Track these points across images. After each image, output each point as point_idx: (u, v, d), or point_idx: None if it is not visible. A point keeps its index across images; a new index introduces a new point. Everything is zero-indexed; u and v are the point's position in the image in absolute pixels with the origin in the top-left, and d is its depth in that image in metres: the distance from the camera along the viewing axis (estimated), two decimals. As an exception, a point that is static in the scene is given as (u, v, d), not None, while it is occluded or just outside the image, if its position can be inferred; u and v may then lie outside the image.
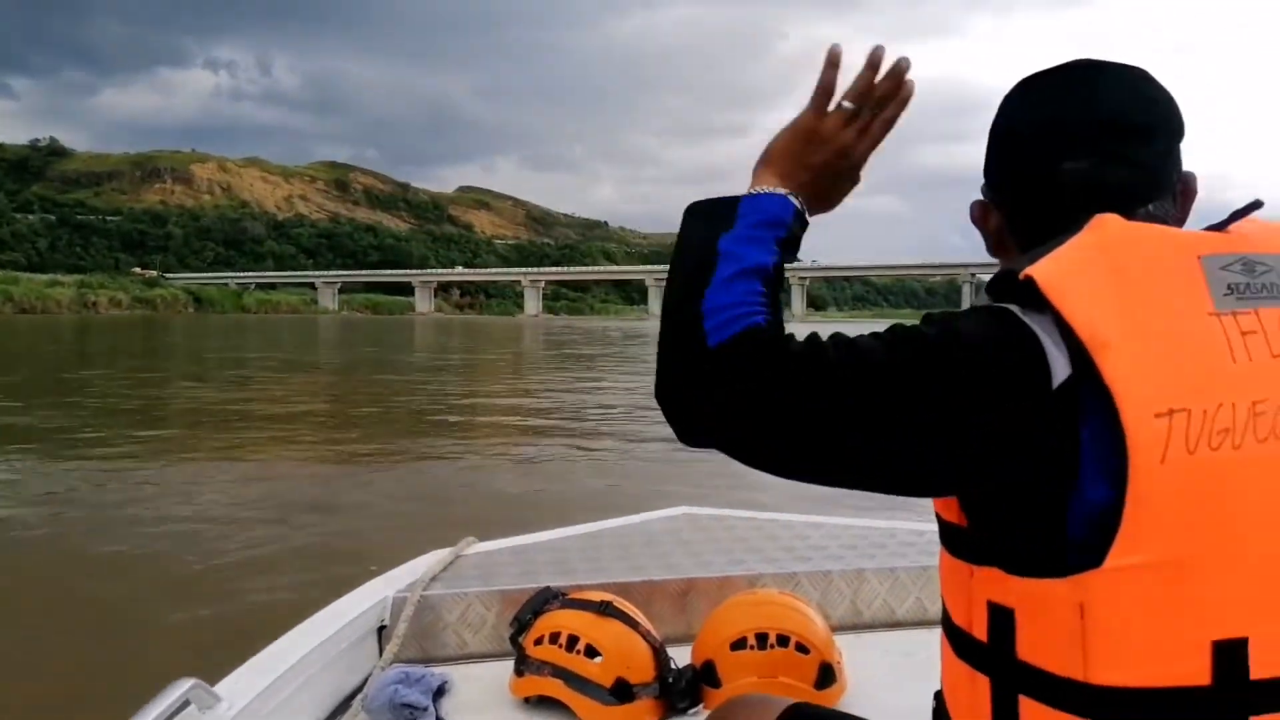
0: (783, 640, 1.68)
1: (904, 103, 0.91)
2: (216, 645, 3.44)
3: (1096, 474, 0.69)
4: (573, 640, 1.68)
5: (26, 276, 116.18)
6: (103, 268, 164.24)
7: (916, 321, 0.77)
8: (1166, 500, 0.68)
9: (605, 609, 1.73)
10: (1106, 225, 0.75)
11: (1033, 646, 0.74)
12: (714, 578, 1.99)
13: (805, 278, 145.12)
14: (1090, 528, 0.70)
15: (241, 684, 1.45)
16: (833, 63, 0.89)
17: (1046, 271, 0.72)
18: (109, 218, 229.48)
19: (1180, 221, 0.86)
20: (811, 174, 0.90)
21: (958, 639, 0.83)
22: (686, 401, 0.78)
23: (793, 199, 0.88)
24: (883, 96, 0.90)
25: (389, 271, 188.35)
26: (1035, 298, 0.72)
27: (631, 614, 1.76)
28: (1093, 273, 0.72)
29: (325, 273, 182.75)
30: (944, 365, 0.72)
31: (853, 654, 1.82)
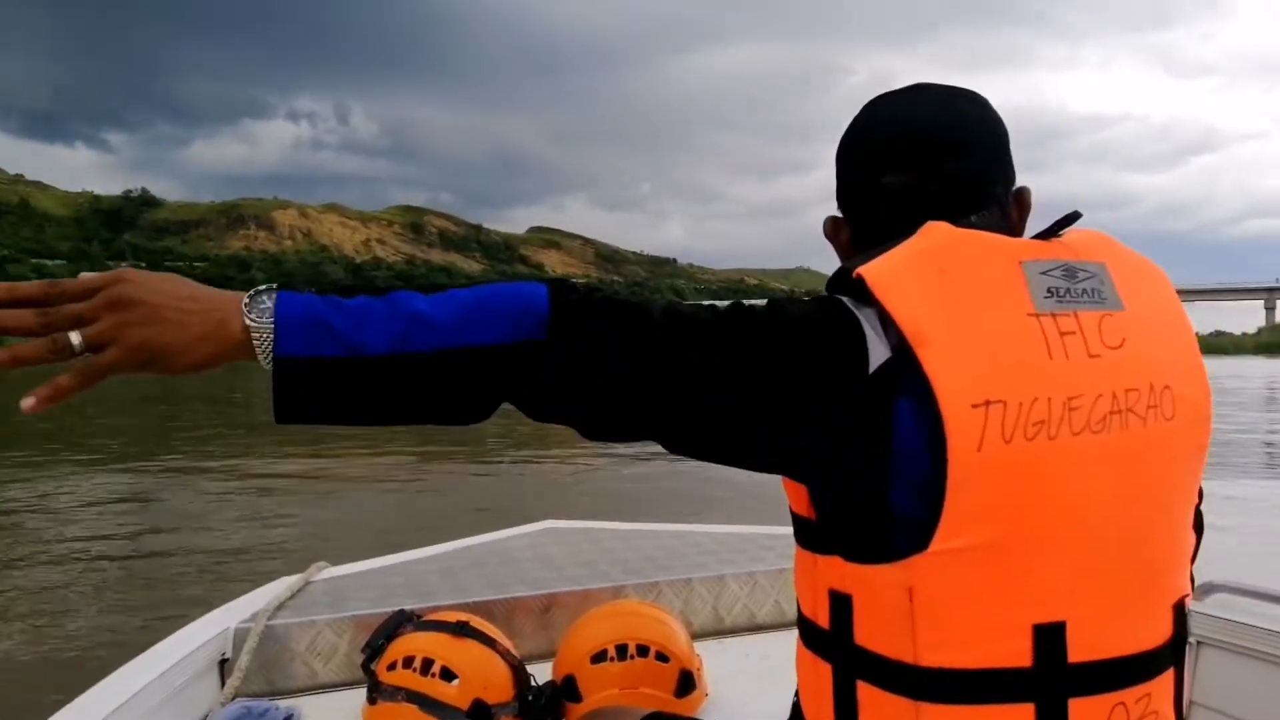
0: (643, 650, 1.67)
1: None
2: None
3: (916, 462, 0.72)
4: (428, 663, 1.61)
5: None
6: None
7: None
8: (985, 487, 0.71)
9: (462, 629, 1.68)
10: (934, 231, 0.80)
11: (868, 631, 0.77)
12: (576, 591, 1.97)
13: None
14: (916, 512, 0.73)
15: None
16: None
17: (875, 270, 0.77)
18: (196, 264, 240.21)
19: (1015, 232, 0.89)
20: (194, 302, 0.74)
21: (805, 629, 0.86)
22: (531, 396, 0.77)
23: (265, 305, 0.74)
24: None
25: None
26: (865, 293, 0.76)
27: (489, 633, 1.72)
28: (918, 273, 0.76)
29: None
30: (767, 335, 0.75)
31: (714, 659, 1.84)
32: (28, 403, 0.69)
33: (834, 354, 0.75)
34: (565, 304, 0.76)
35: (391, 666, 1.63)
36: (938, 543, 0.72)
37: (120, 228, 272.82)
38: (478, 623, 1.72)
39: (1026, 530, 0.73)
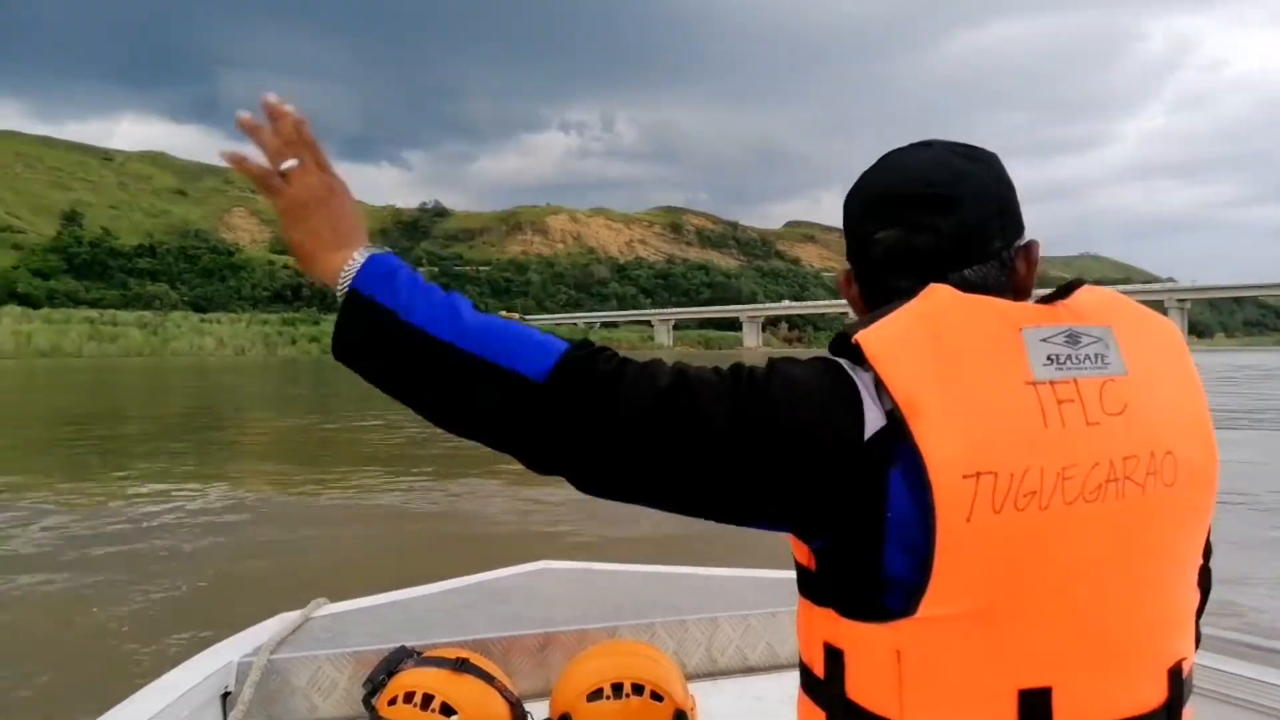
0: (638, 689, 1.67)
1: (301, 123, 0.92)
2: None
3: (908, 529, 0.73)
4: (428, 699, 1.64)
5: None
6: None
7: None
8: (973, 556, 0.72)
9: (461, 665, 1.70)
10: (935, 295, 0.80)
11: (858, 687, 0.78)
12: (572, 630, 1.97)
13: (1185, 300, 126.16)
14: (905, 576, 0.74)
15: None
16: (248, 128, 0.91)
17: (872, 336, 0.77)
18: (481, 268, 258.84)
19: (1019, 287, 0.88)
20: (343, 224, 0.91)
21: (804, 675, 0.87)
22: (529, 440, 0.81)
23: (366, 252, 0.88)
24: (288, 133, 0.91)
25: (717, 307, 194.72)
26: (863, 357, 0.77)
27: (488, 670, 1.74)
28: (914, 340, 0.76)
29: (660, 311, 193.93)
30: (766, 401, 0.77)
31: (708, 700, 1.84)
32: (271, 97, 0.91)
33: (830, 421, 0.76)
34: (574, 358, 0.80)
35: (392, 702, 1.65)
36: (925, 608, 0.72)
37: (417, 237, 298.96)
38: (476, 659, 1.74)
39: (1014, 598, 0.73)
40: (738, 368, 0.81)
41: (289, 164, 0.90)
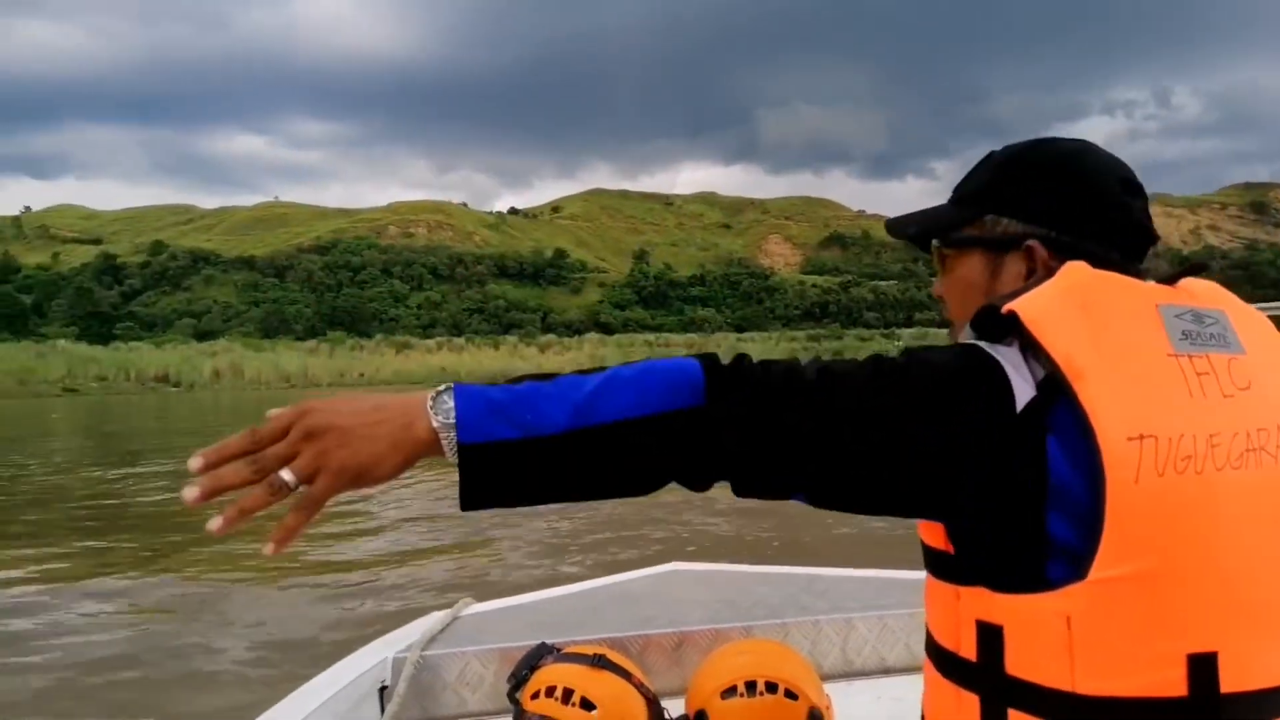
0: (771, 687, 1.67)
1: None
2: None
3: (1072, 494, 0.75)
4: (568, 693, 1.72)
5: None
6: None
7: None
8: (1140, 518, 0.74)
9: (599, 661, 1.78)
10: (1075, 272, 0.84)
11: (1021, 661, 0.79)
12: (705, 630, 1.98)
13: None
14: (1071, 542, 0.76)
15: None
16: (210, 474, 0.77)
17: (1026, 305, 0.81)
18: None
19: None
20: (378, 411, 0.80)
21: (944, 660, 0.88)
22: (701, 469, 0.82)
23: (437, 399, 0.80)
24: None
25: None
26: (1006, 332, 0.81)
27: (625, 666, 1.80)
28: (1066, 309, 0.80)
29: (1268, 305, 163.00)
30: (916, 386, 0.79)
31: (844, 701, 1.79)
32: (268, 548, 0.78)
33: (980, 398, 0.78)
34: (717, 370, 0.82)
35: (535, 696, 1.76)
36: (1096, 571, 0.74)
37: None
38: (613, 656, 1.80)
39: (1179, 561, 0.75)
40: (875, 357, 0.83)
41: (287, 477, 0.77)
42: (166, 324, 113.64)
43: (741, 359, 0.84)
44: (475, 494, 0.79)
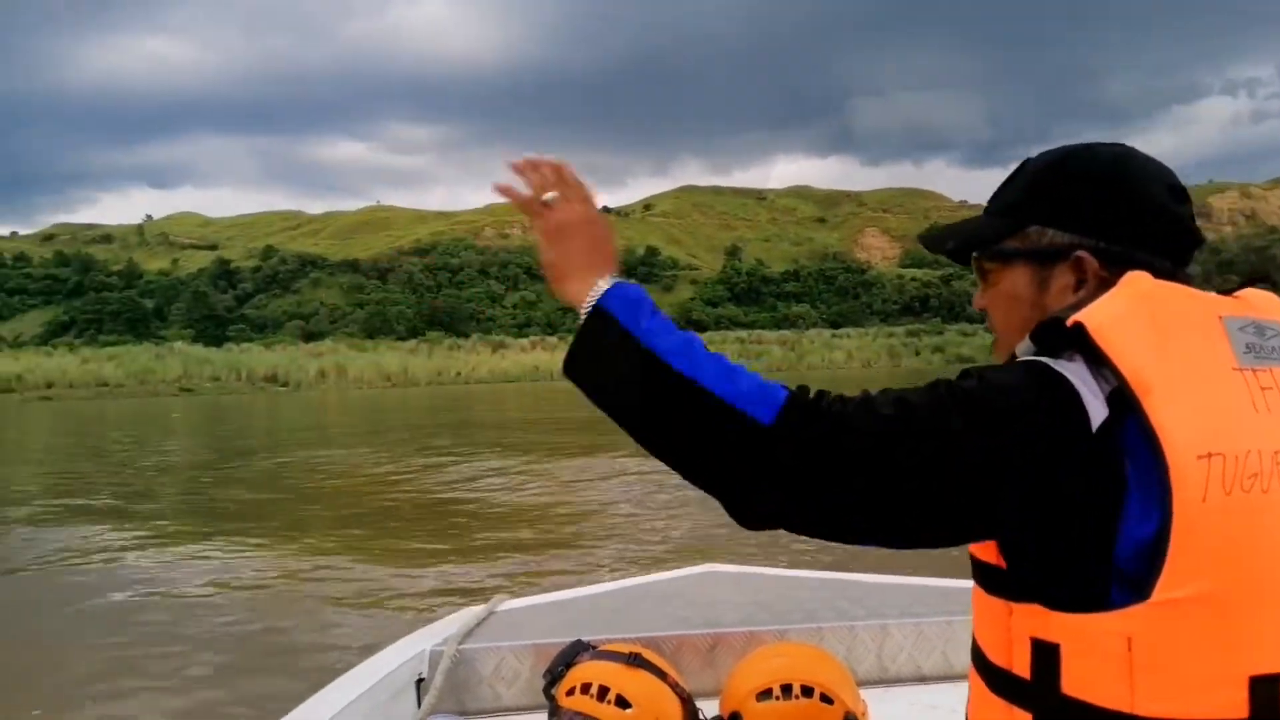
0: (807, 691, 1.68)
1: (560, 167, 1.03)
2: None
3: (1141, 510, 0.74)
4: (604, 691, 1.73)
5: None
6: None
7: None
8: (1208, 537, 0.73)
9: (634, 660, 1.78)
10: (1140, 282, 0.83)
11: (1079, 681, 0.77)
12: (740, 631, 1.98)
13: None
14: (1137, 562, 0.74)
15: None
16: (517, 169, 1.03)
17: (1095, 316, 0.79)
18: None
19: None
20: (596, 252, 0.98)
21: (994, 676, 0.86)
22: (756, 481, 0.81)
23: (613, 280, 0.95)
24: (548, 174, 1.02)
25: None
26: (1073, 345, 0.80)
27: (660, 666, 1.79)
28: (1135, 321, 0.78)
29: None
30: (988, 416, 0.77)
31: (879, 708, 1.78)
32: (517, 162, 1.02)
33: (1054, 418, 0.76)
34: (800, 400, 0.82)
35: (570, 692, 1.77)
36: (1160, 592, 0.73)
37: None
38: (648, 655, 1.80)
39: (1244, 581, 0.74)
40: (941, 381, 0.81)
41: (549, 195, 1.01)
42: (276, 326, 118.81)
43: (823, 395, 0.83)
44: (574, 356, 0.91)
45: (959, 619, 2.05)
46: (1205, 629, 0.73)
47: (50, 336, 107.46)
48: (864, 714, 1.73)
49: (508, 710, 1.98)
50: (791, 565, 2.67)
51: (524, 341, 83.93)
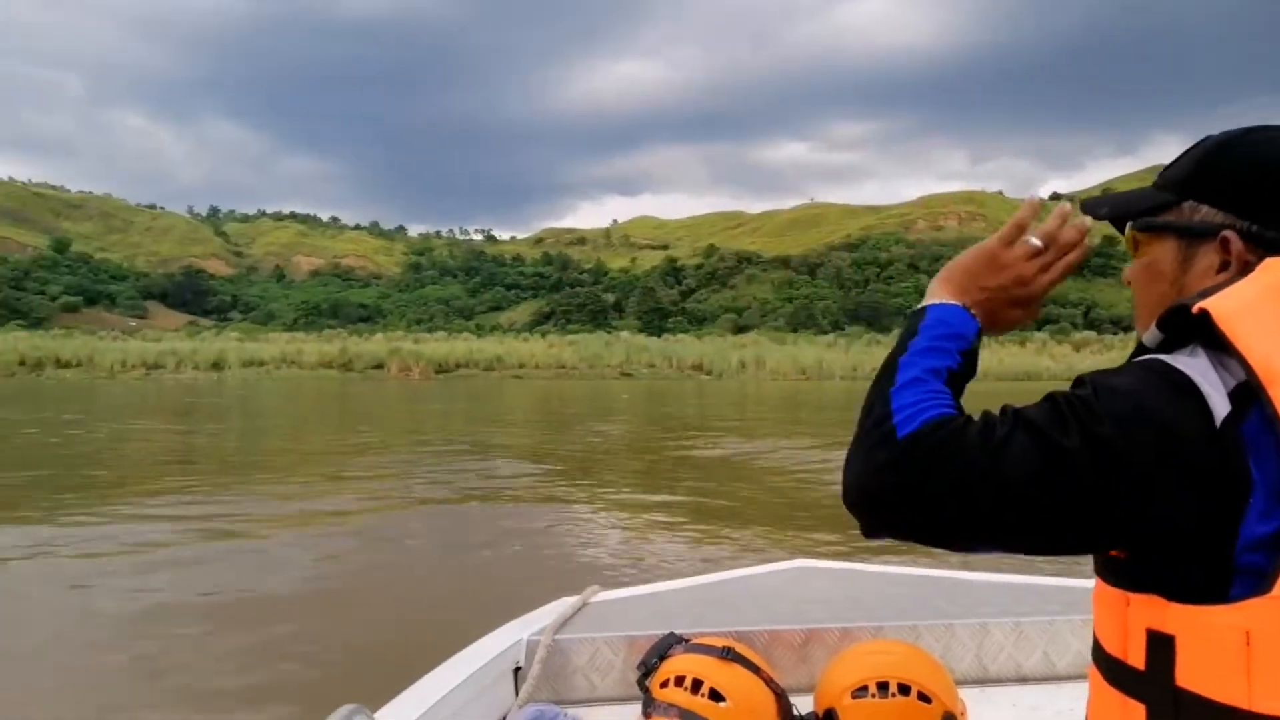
0: (904, 689, 1.62)
1: (1085, 253, 1.01)
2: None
3: (1266, 506, 0.71)
4: (697, 684, 1.70)
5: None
6: None
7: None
8: None
9: (728, 654, 1.73)
10: (1277, 269, 0.79)
11: (1194, 673, 0.75)
12: (834, 628, 1.91)
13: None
14: (1258, 556, 0.72)
15: (397, 713, 1.60)
16: (1033, 210, 1.01)
17: (1223, 304, 0.76)
18: None
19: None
20: (986, 294, 0.98)
21: (1111, 668, 0.86)
22: (876, 491, 0.81)
23: (968, 311, 0.95)
24: (1066, 244, 0.99)
25: None
26: (1195, 333, 0.78)
27: (753, 660, 1.73)
28: (1264, 309, 0.76)
29: None
30: (1101, 424, 0.75)
31: (978, 708, 1.71)
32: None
33: (1176, 417, 0.74)
34: (941, 419, 0.81)
35: (664, 684, 1.74)
36: None
37: None
38: (741, 649, 1.74)
39: None
40: (1052, 396, 0.79)
41: (1034, 242, 0.98)
42: (712, 318, 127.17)
43: (970, 424, 0.81)
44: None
45: (1061, 619, 1.98)
46: None
47: (535, 325, 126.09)
48: (963, 714, 1.67)
49: (602, 700, 1.97)
50: (884, 562, 2.42)
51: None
